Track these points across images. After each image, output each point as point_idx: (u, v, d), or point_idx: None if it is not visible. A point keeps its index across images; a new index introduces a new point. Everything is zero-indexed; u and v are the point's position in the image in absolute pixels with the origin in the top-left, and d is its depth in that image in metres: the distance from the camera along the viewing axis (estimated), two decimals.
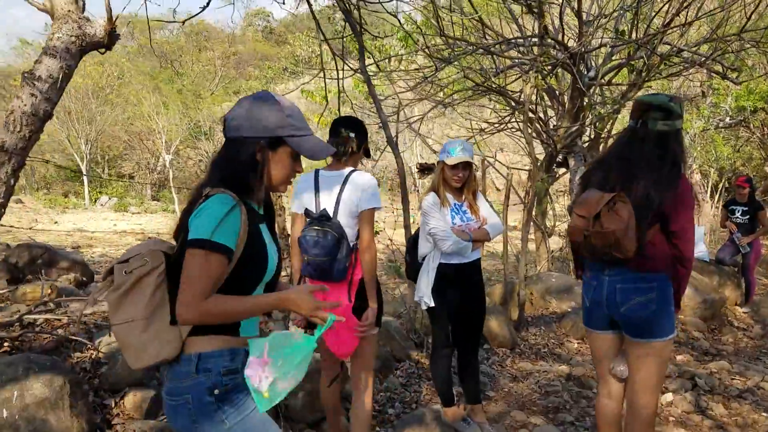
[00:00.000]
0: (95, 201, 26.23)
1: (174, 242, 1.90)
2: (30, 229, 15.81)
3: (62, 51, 2.97)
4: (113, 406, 3.37)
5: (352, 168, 3.24)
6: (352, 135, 3.24)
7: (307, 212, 3.18)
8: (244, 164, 1.83)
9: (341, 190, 3.15)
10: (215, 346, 1.80)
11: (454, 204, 3.79)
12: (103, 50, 3.24)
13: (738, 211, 8.34)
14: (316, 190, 3.23)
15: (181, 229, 1.83)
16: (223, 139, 1.92)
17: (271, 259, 1.90)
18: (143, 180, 31.50)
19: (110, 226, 18.18)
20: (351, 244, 3.13)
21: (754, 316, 8.15)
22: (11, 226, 14.85)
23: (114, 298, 1.79)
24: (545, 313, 7.32)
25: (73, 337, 3.64)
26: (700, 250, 8.91)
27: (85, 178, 26.63)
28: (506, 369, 5.48)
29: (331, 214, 3.13)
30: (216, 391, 1.78)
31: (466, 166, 3.72)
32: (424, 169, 3.97)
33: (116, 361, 3.52)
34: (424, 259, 3.80)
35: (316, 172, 3.30)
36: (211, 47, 45.81)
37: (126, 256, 1.84)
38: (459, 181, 3.73)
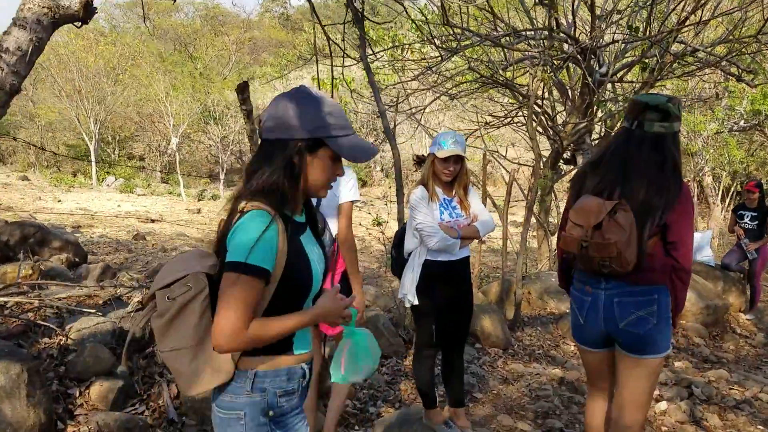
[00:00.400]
0: (102, 181, 26.22)
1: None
2: (33, 211, 15.79)
3: (32, 22, 2.83)
4: (77, 395, 3.25)
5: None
6: None
7: None
8: (280, 169, 1.70)
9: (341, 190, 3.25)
10: (271, 366, 1.74)
11: (444, 199, 3.63)
12: (79, 24, 3.10)
13: (747, 216, 8.13)
14: None
15: (221, 245, 1.72)
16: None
17: (315, 271, 1.79)
18: (153, 162, 31.44)
19: (114, 207, 18.13)
20: (333, 235, 3.17)
21: (757, 323, 7.96)
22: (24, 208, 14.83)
23: (159, 325, 1.71)
24: (542, 313, 7.16)
25: (42, 323, 3.52)
26: (706, 254, 8.71)
27: (92, 157, 26.58)
28: (497, 370, 5.33)
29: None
30: (270, 413, 1.74)
31: (458, 159, 3.55)
32: (421, 162, 3.81)
33: (84, 348, 3.40)
34: (410, 254, 3.65)
35: None
36: (226, 32, 45.64)
37: (167, 279, 1.71)
38: (449, 175, 3.56)
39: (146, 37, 33.55)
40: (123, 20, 43.74)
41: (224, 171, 26.92)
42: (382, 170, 32.28)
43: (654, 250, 2.65)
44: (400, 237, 3.79)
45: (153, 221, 15.50)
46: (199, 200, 22.27)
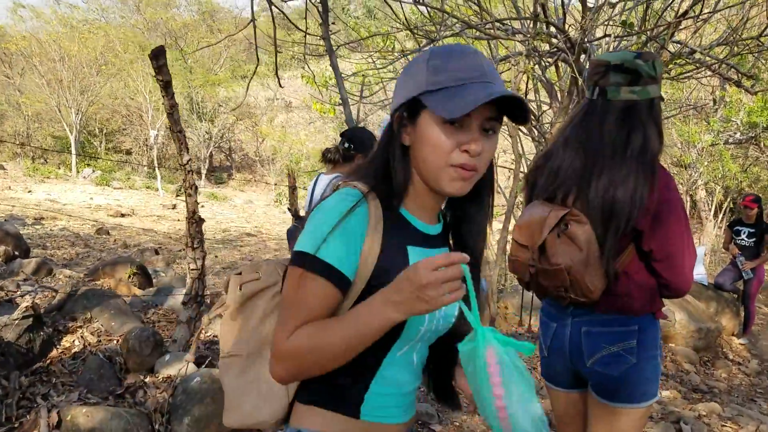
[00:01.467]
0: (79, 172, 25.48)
1: None
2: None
3: None
4: None
5: (338, 173, 3.34)
6: (346, 145, 3.50)
7: (293, 212, 3.48)
8: (380, 146, 1.25)
9: (323, 192, 3.11)
10: (322, 426, 1.21)
11: None
12: None
13: (744, 233, 7.57)
14: (312, 191, 3.59)
15: None
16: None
17: None
18: (140, 156, 30.72)
19: (86, 200, 17.41)
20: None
21: (751, 348, 7.42)
22: None
23: (223, 320, 1.33)
24: (520, 330, 6.56)
25: None
26: (699, 272, 8.15)
27: (73, 149, 25.88)
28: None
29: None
30: None
31: None
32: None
33: None
34: None
35: (318, 176, 3.66)
36: (217, 27, 45.03)
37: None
38: None
39: (127, 28, 32.94)
40: (113, 12, 43.05)
41: (206, 166, 26.33)
42: None
43: (628, 267, 1.99)
44: None
45: (123, 215, 14.83)
46: (177, 196, 21.60)
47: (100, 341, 3.52)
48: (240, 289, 1.31)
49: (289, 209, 3.51)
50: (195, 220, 3.40)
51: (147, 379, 3.30)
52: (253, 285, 1.31)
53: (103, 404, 3.08)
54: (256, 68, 3.88)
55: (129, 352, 3.38)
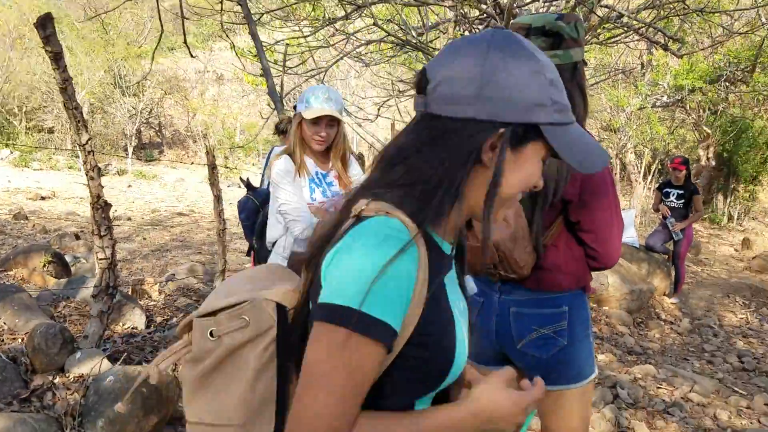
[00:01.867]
0: None
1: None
2: None
3: None
4: None
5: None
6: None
7: (245, 183, 3.40)
8: (458, 166, 0.95)
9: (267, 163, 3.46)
10: None
11: (316, 173, 2.83)
12: None
13: (673, 195, 7.71)
14: (266, 164, 3.59)
15: (312, 262, 0.98)
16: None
17: (461, 343, 1.02)
18: (63, 135, 29.27)
19: (4, 183, 16.46)
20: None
21: (682, 307, 7.62)
22: None
23: (191, 377, 1.02)
24: None
25: None
26: (630, 235, 8.27)
27: None
28: None
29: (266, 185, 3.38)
30: None
31: (333, 122, 2.75)
32: (283, 131, 3.40)
33: None
34: (274, 244, 2.85)
35: (272, 149, 3.71)
36: None
37: (218, 303, 1.03)
38: (321, 142, 2.76)
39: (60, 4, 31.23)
40: None
41: (132, 143, 25.39)
42: None
43: (557, 240, 1.90)
44: (262, 223, 2.99)
45: (43, 198, 14.08)
46: (101, 175, 20.68)
47: (2, 341, 3.22)
48: (211, 335, 1.02)
49: (241, 179, 3.34)
50: (100, 206, 3.13)
51: (56, 380, 3.03)
52: (239, 335, 1.00)
53: (7, 410, 2.81)
54: (160, 37, 3.58)
55: (35, 351, 3.10)
